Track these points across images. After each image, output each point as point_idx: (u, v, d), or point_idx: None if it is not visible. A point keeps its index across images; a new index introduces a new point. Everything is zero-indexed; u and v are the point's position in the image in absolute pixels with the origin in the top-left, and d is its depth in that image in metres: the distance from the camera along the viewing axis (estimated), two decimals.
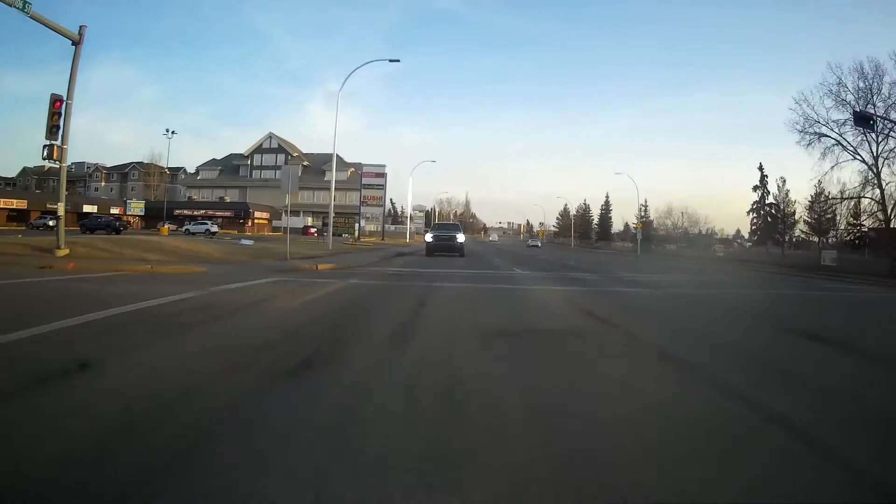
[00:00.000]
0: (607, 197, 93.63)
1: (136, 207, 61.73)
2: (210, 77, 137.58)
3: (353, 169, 68.22)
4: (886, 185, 35.08)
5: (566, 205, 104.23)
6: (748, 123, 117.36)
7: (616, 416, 2.78)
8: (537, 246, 58.07)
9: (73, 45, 14.36)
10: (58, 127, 14.06)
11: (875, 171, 34.99)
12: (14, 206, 54.94)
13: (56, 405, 2.62)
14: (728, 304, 9.49)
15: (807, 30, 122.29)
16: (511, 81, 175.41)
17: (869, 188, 36.51)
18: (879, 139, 33.50)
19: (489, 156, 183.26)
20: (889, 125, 27.35)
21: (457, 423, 2.56)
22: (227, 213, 62.21)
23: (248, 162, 75.94)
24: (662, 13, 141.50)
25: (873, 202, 38.23)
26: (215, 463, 2.02)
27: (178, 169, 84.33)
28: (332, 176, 22.54)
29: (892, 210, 36.41)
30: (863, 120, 20.76)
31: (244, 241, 21.19)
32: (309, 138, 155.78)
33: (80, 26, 14.59)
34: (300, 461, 2.06)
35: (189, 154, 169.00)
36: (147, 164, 77.36)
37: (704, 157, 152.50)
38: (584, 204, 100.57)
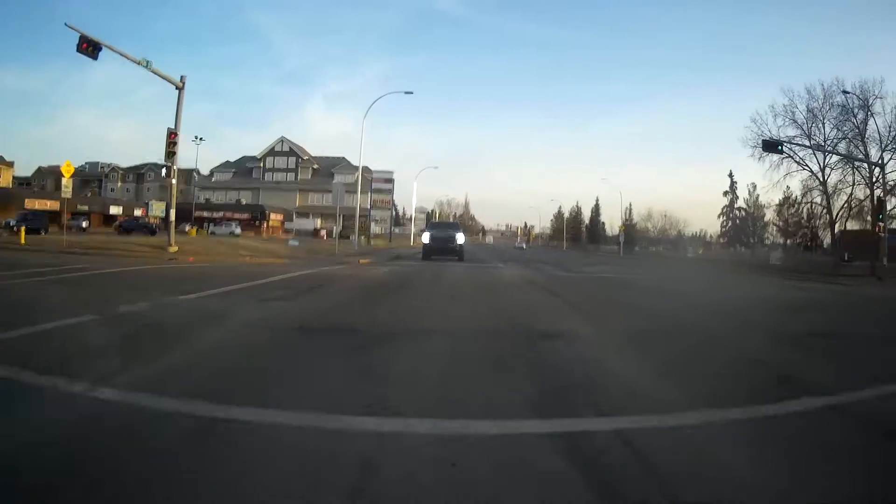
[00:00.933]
0: (597, 201, 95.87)
1: (158, 208, 65.99)
2: (213, 76, 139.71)
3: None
4: (832, 193, 40.64)
5: (560, 208, 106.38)
6: (734, 129, 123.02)
7: (514, 300, 8.66)
8: (522, 247, 66.65)
9: (177, 89, 19.74)
10: (173, 153, 19.59)
11: (821, 180, 40.68)
12: (48, 208, 59.93)
13: (327, 292, 8.50)
14: (616, 280, 15.27)
15: (799, 37, 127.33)
16: (511, 84, 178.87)
17: (816, 194, 42.21)
18: (826, 152, 39.42)
19: (489, 158, 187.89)
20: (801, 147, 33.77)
21: (458, 297, 8.52)
22: (244, 216, 65.91)
23: (261, 164, 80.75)
24: (662, 18, 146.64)
25: (819, 207, 44.15)
26: (390, 302, 7.89)
27: (192, 170, 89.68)
28: (358, 188, 28.05)
29: (836, 214, 42.26)
30: (771, 146, 26.42)
31: (291, 242, 26.69)
32: (311, 137, 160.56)
33: (181, 76, 19.62)
34: (416, 301, 8.03)
35: (190, 152, 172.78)
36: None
37: (692, 161, 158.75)
38: (577, 207, 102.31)
